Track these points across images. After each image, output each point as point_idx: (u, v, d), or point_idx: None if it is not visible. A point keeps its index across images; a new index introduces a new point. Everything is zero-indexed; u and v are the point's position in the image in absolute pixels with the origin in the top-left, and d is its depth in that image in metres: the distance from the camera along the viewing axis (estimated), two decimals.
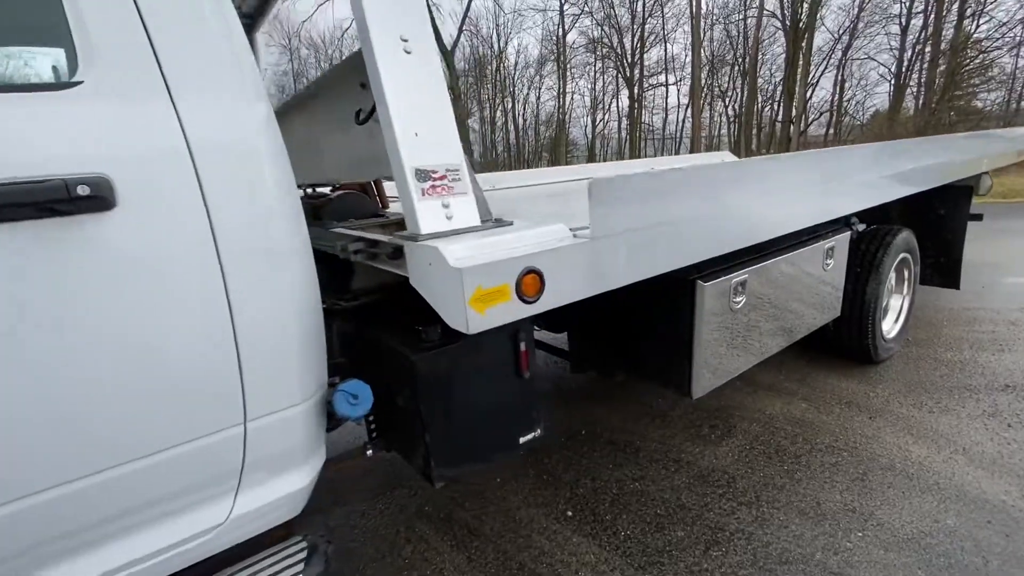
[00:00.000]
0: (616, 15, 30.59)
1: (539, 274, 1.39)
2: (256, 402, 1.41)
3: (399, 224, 1.86)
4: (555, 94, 33.22)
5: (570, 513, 2.55)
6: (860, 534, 2.27)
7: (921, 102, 23.60)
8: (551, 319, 3.12)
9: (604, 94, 34.01)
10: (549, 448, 3.11)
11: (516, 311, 1.37)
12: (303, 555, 1.54)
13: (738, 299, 2.48)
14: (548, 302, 1.44)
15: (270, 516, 1.53)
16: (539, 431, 2.23)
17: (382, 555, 2.36)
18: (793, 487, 2.61)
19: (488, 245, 1.37)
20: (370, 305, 2.39)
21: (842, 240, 3.18)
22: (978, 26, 21.65)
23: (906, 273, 4.15)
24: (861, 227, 3.59)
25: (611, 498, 2.63)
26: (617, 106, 33.99)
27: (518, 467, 2.95)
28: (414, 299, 1.60)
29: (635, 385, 3.81)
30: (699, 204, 1.98)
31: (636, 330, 2.63)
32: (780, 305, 2.78)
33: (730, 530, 2.35)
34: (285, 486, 1.53)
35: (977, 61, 22.10)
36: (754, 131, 30.36)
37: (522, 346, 2.09)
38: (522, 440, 2.18)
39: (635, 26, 30.47)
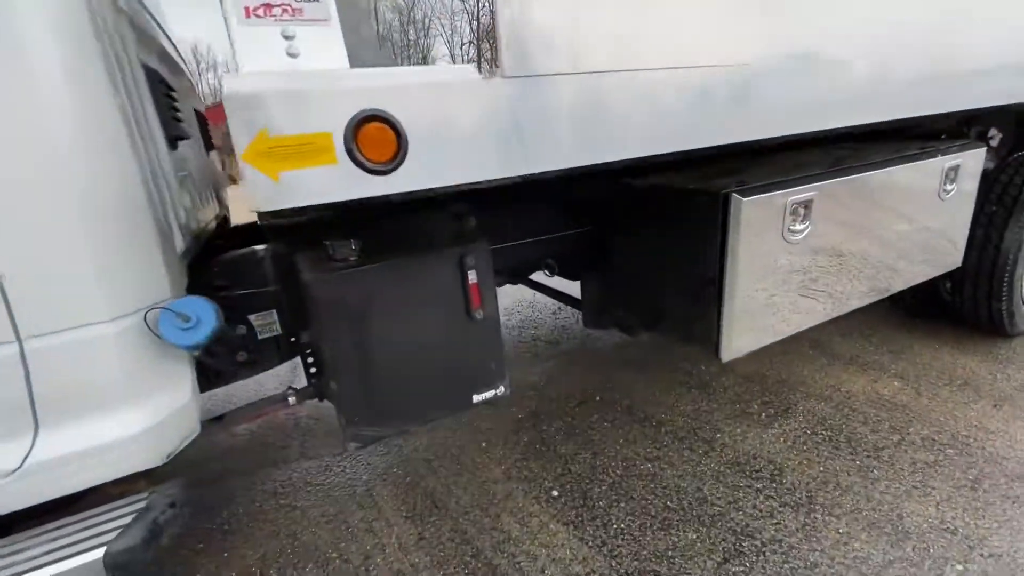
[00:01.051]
0: None
1: (392, 125, 0.85)
2: (33, 315, 1.04)
3: None
4: None
5: (555, 493, 2.04)
6: (961, 567, 1.57)
7: None
8: (564, 261, 2.57)
9: None
10: (551, 413, 2.60)
11: (347, 184, 0.86)
12: (127, 519, 1.19)
13: (798, 227, 1.77)
14: (416, 177, 0.91)
15: (88, 470, 1.18)
16: (502, 389, 1.73)
17: (327, 519, 2.02)
18: (865, 490, 1.91)
19: (316, 77, 0.86)
20: (318, 222, 1.98)
21: (973, 159, 2.26)
22: None
23: None
24: (996, 141, 2.60)
25: (612, 480, 2.08)
26: None
27: (509, 431, 2.48)
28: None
29: (673, 349, 3.16)
30: (713, 33, 1.32)
31: (656, 270, 2.00)
32: (866, 243, 2.01)
33: (763, 538, 1.74)
34: (105, 431, 1.17)
35: None
36: None
37: (471, 276, 1.57)
38: (477, 398, 1.68)
39: None
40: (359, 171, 0.84)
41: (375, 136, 0.83)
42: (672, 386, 2.76)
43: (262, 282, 1.84)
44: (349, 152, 0.82)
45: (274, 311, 1.87)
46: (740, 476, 2.04)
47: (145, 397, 1.22)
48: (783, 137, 1.63)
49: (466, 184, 1.02)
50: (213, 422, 1.74)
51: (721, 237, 1.67)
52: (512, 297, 4.43)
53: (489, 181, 1.06)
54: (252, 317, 1.85)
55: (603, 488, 2.04)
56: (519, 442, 2.39)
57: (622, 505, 1.95)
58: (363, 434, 1.52)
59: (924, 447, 2.11)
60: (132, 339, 1.13)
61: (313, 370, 1.93)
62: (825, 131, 1.74)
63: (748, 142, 1.58)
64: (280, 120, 0.77)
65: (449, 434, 2.51)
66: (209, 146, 2.66)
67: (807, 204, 1.76)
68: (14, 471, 1.09)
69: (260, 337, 1.89)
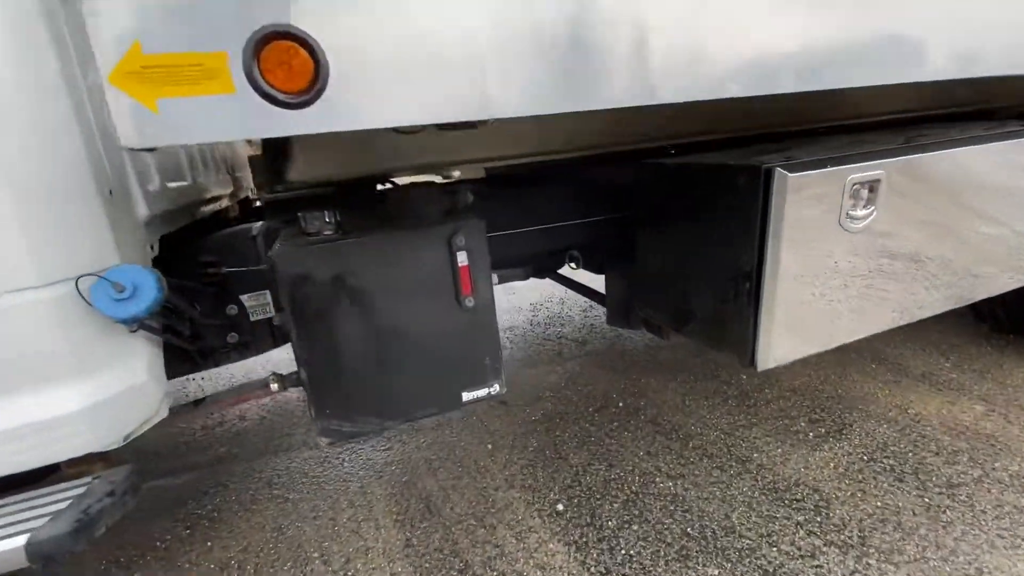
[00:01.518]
0: None
1: (307, 46, 0.68)
2: None
3: None
4: None
5: (561, 507, 1.83)
6: None
7: None
8: (590, 253, 2.35)
9: None
10: (567, 417, 2.38)
11: (247, 118, 0.69)
12: (61, 506, 1.08)
13: (860, 213, 1.48)
14: (339, 114, 0.73)
15: (35, 448, 1.09)
16: (496, 387, 1.53)
17: (315, 515, 1.90)
18: (935, 535, 1.58)
19: None
20: (306, 199, 1.86)
21: None
22: None
23: None
24: None
25: (626, 497, 1.85)
26: None
27: (519, 433, 2.28)
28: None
29: (711, 354, 2.86)
30: None
31: (685, 262, 1.75)
32: (944, 238, 1.67)
33: None
34: (49, 406, 1.07)
35: None
36: None
37: (460, 258, 1.39)
38: (467, 396, 1.50)
39: None
40: (264, 103, 0.68)
41: (284, 59, 0.67)
42: (707, 395, 2.47)
43: (255, 260, 1.74)
44: (250, 78, 0.66)
45: (268, 292, 1.77)
46: (778, 505, 1.75)
47: (91, 372, 1.12)
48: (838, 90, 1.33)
49: (406, 126, 0.84)
50: (192, 406, 1.65)
51: (761, 222, 1.40)
52: (542, 293, 4.23)
53: (447, 124, 0.87)
54: (244, 297, 1.75)
55: (615, 506, 1.81)
56: (528, 447, 2.19)
57: (634, 528, 1.71)
58: (336, 429, 1.38)
59: (1013, 487, 1.73)
60: (72, 308, 1.02)
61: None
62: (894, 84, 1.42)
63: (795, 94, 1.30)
64: (159, 33, 0.62)
65: (455, 433, 2.34)
66: None
67: (872, 185, 1.46)
68: None
69: (252, 318, 1.79)
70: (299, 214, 1.30)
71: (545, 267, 3.05)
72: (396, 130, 1.85)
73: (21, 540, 0.98)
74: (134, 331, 1.07)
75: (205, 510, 1.98)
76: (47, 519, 1.04)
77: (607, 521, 1.75)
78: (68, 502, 1.09)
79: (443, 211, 1.47)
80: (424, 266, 1.35)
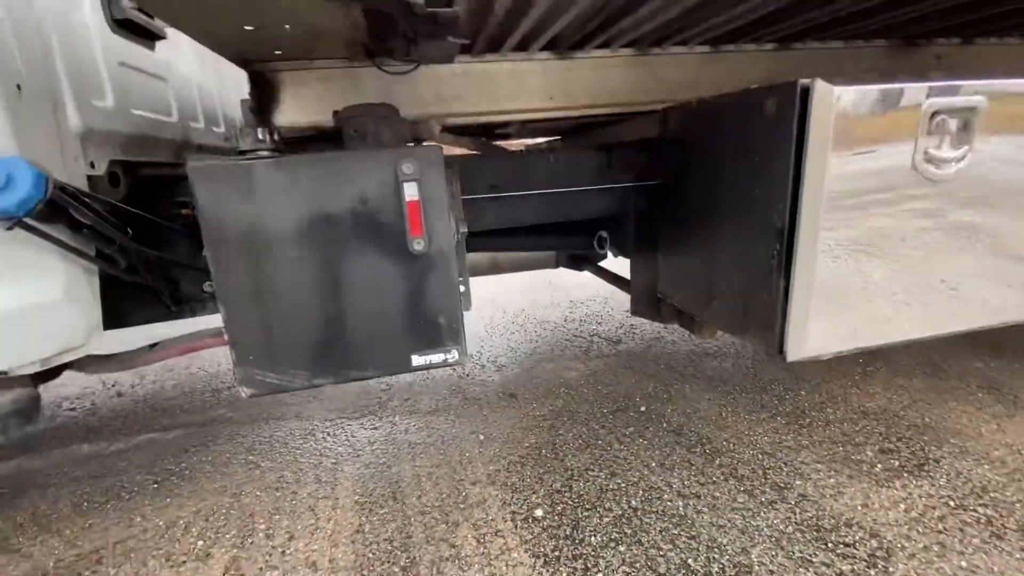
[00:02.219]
0: None
1: None
2: None
3: None
4: None
5: (540, 513, 1.54)
6: None
7: None
8: (615, 228, 2.08)
9: None
10: (576, 416, 2.08)
11: None
12: None
13: (947, 154, 1.09)
14: None
15: None
16: (453, 354, 1.30)
17: (278, 486, 1.76)
18: None
19: None
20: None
21: None
22: None
23: None
24: None
25: (620, 512, 1.52)
26: None
27: (518, 427, 2.01)
28: None
29: (764, 365, 2.43)
30: None
31: (708, 227, 1.42)
32: None
33: None
34: None
35: None
36: None
37: (408, 191, 1.17)
38: (418, 360, 1.28)
39: None
40: None
41: None
42: (751, 410, 2.06)
43: None
44: None
45: None
46: (817, 546, 1.34)
47: None
48: None
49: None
50: (146, 349, 1.58)
51: (795, 163, 1.06)
52: (586, 291, 3.93)
53: None
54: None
55: (604, 520, 1.49)
56: (523, 442, 1.92)
57: (621, 549, 1.38)
58: (258, 379, 1.21)
59: None
60: None
61: None
62: None
63: None
64: None
65: (452, 419, 2.12)
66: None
67: (967, 116, 1.07)
68: None
69: None
70: (235, 126, 1.16)
71: (577, 254, 2.78)
72: (385, 70, 1.70)
73: None
74: (9, 229, 0.97)
75: (179, 467, 1.91)
76: None
77: (590, 536, 1.43)
78: None
79: (401, 140, 1.27)
80: (368, 199, 1.16)
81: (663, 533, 1.43)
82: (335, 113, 1.25)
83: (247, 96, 1.77)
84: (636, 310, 2.06)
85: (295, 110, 1.71)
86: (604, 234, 2.12)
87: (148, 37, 1.51)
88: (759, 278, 1.19)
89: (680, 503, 1.54)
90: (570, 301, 3.74)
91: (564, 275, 4.45)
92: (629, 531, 1.44)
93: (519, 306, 3.70)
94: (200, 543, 1.50)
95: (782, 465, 1.70)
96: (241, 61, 1.66)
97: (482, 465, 1.80)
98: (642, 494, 1.60)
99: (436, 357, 1.28)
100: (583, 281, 4.24)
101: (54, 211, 1.01)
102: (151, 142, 1.51)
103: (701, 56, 1.87)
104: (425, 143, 1.74)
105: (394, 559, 1.40)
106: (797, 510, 1.49)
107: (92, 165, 1.24)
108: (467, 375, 2.58)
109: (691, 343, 2.80)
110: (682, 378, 2.38)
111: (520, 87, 1.81)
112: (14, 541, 1.56)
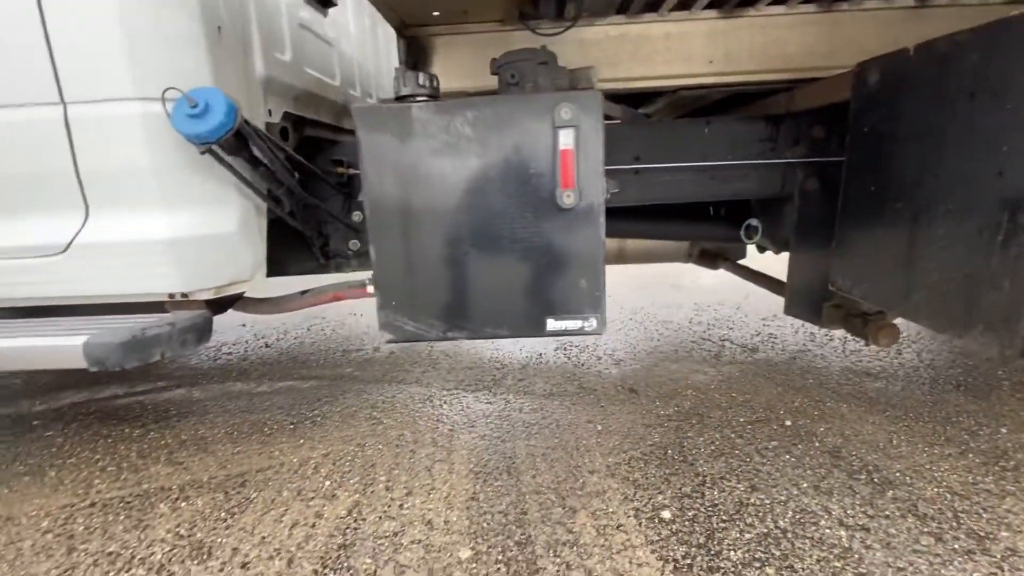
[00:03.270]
0: None
1: None
2: (75, 81, 1.03)
3: None
4: None
5: (667, 515, 1.39)
6: None
7: None
8: (770, 216, 1.87)
9: None
10: (707, 421, 1.88)
11: None
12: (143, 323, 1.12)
13: None
14: None
15: (122, 278, 1.16)
16: (593, 322, 1.21)
17: (399, 444, 1.79)
18: None
19: None
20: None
21: None
22: None
23: None
24: None
25: (765, 531, 1.31)
26: None
27: (640, 423, 1.86)
28: None
29: (949, 394, 2.01)
30: None
31: (921, 193, 1.16)
32: None
33: None
34: (140, 228, 1.13)
35: None
36: None
37: (563, 137, 1.09)
38: (553, 324, 1.21)
39: None
40: None
41: None
42: (932, 442, 1.70)
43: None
44: None
45: None
46: None
47: (177, 205, 1.16)
48: None
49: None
50: (298, 295, 1.68)
51: None
52: (714, 295, 3.62)
53: None
54: None
55: (747, 536, 1.30)
56: (646, 439, 1.77)
57: (768, 572, 1.18)
58: (397, 326, 1.22)
59: None
60: (160, 128, 1.05)
61: None
62: None
63: None
64: None
65: (567, 405, 2.03)
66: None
67: None
68: (66, 247, 1.14)
69: None
70: (395, 67, 1.18)
71: (711, 250, 2.54)
72: (537, 32, 1.66)
73: (80, 339, 1.04)
74: (202, 153, 1.06)
75: (312, 414, 2.05)
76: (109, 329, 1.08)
77: (729, 550, 1.25)
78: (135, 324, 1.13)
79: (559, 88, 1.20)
80: (521, 146, 1.11)
81: (822, 564, 1.20)
82: (493, 61, 1.22)
83: (398, 65, 1.83)
84: (792, 310, 1.80)
85: (445, 74, 1.74)
86: (755, 222, 1.90)
87: (322, 3, 1.62)
88: (998, 261, 0.94)
89: (843, 533, 1.29)
90: (694, 304, 3.46)
91: (687, 276, 4.16)
92: (778, 553, 1.24)
93: (637, 304, 3.50)
94: (327, 483, 1.57)
95: (980, 511, 1.36)
96: (400, 25, 1.72)
97: (600, 456, 1.68)
98: (792, 515, 1.37)
99: (572, 324, 1.20)
100: (709, 285, 3.92)
101: (238, 144, 1.09)
102: (318, 101, 1.62)
103: (905, 12, 1.58)
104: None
105: (509, 532, 1.34)
106: (1005, 566, 1.17)
107: (270, 113, 1.35)
108: (582, 364, 2.47)
109: (846, 359, 2.42)
110: (837, 396, 2.05)
111: (678, 50, 1.67)
112: (177, 455, 1.77)
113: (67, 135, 1.06)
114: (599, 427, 1.86)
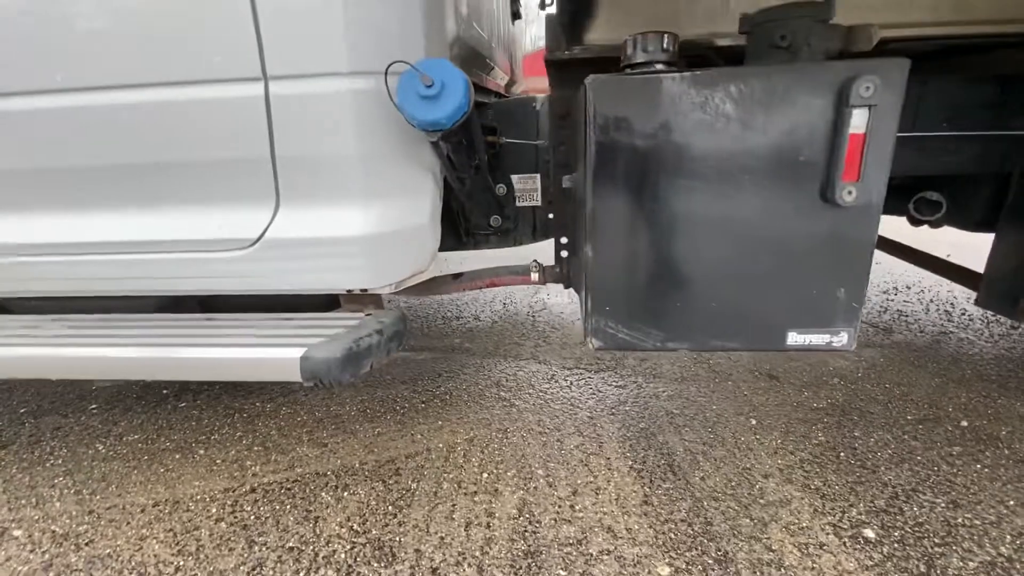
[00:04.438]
0: None
1: None
2: (278, 52, 0.86)
3: None
4: None
5: (870, 534, 1.28)
6: None
7: None
8: (965, 193, 1.63)
9: None
10: (870, 418, 1.73)
11: None
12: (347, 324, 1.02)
13: None
14: None
15: (312, 271, 1.03)
16: (844, 338, 1.04)
17: (541, 431, 1.71)
18: None
19: None
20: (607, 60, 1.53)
21: None
22: None
23: None
24: None
25: (988, 560, 1.20)
26: None
27: (795, 419, 1.73)
28: None
29: None
30: None
31: None
32: None
33: None
34: (336, 222, 0.99)
35: None
36: None
37: (856, 118, 0.88)
38: (794, 338, 1.04)
39: None
40: None
41: None
42: None
43: (534, 135, 1.53)
44: None
45: (538, 176, 1.57)
46: None
47: (378, 197, 1.02)
48: None
49: None
50: (450, 278, 1.56)
51: None
52: None
53: None
54: (515, 178, 1.58)
55: (971, 565, 1.18)
56: (810, 438, 1.64)
57: None
58: (611, 333, 1.08)
59: None
60: (369, 109, 0.90)
61: (564, 253, 1.58)
62: None
63: None
64: None
65: (704, 392, 1.91)
66: (516, 15, 2.49)
67: None
68: (255, 242, 1.01)
69: (519, 203, 1.61)
70: (627, 37, 0.97)
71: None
72: None
73: (298, 352, 0.93)
74: (434, 141, 0.90)
75: (439, 391, 1.98)
76: (322, 340, 0.98)
77: None
78: (341, 330, 1.02)
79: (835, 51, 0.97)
80: (793, 128, 0.91)
81: None
82: (744, 17, 1.00)
83: (551, 11, 1.59)
84: (989, 302, 1.60)
85: (611, 24, 1.49)
86: (936, 196, 1.65)
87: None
88: None
89: None
90: None
91: None
92: None
93: None
94: (484, 476, 1.51)
95: None
96: None
97: (767, 456, 1.57)
98: (1011, 540, 1.25)
99: (818, 338, 1.04)
100: None
101: (463, 128, 0.92)
102: (478, 60, 1.41)
103: None
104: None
105: (702, 547, 1.25)
106: None
107: None
108: None
109: (996, 346, 2.22)
110: (1005, 391, 1.87)
111: None
112: (318, 435, 1.73)
113: (267, 116, 0.91)
114: (752, 421, 1.74)
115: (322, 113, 0.92)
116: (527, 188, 1.60)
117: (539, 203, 1.58)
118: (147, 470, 1.57)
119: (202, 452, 1.65)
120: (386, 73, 0.83)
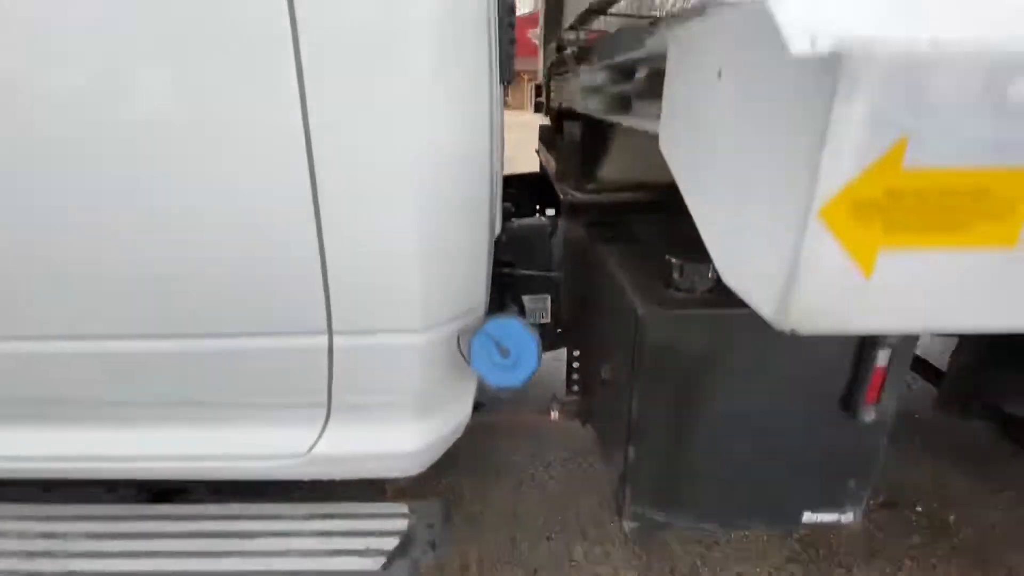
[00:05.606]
0: None
1: None
2: (349, 311, 0.94)
3: None
4: None
5: None
6: None
7: None
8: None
9: None
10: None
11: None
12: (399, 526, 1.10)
13: None
14: None
15: (360, 468, 1.12)
16: (850, 515, 1.08)
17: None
18: None
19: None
20: (625, 205, 1.54)
21: None
22: None
23: None
24: None
25: None
26: None
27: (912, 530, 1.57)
28: None
29: None
30: None
31: None
32: None
33: None
34: (388, 440, 1.08)
35: None
36: None
37: (881, 355, 0.93)
38: (809, 517, 1.09)
39: None
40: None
41: None
42: None
43: (546, 261, 1.55)
44: None
45: (548, 297, 1.58)
46: None
47: (434, 413, 1.10)
48: None
49: None
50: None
51: None
52: None
53: None
54: (526, 298, 1.58)
55: None
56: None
57: None
58: (648, 516, 1.11)
59: None
60: (438, 353, 0.99)
61: (576, 388, 1.63)
62: None
63: None
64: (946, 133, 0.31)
65: None
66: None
67: None
68: (303, 455, 1.06)
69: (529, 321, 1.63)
70: (671, 259, 1.00)
71: None
72: None
73: (377, 561, 0.97)
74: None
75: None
76: (381, 561, 1.01)
77: None
78: (396, 540, 1.06)
79: None
80: (823, 359, 0.97)
81: None
82: None
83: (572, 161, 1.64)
84: (944, 405, 1.49)
85: (623, 165, 1.57)
86: None
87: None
88: None
89: None
90: None
91: None
92: None
93: None
94: None
95: None
96: None
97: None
98: None
99: (828, 517, 1.09)
100: None
101: None
102: None
103: None
104: None
105: None
106: None
107: None
108: None
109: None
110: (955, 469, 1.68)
111: None
112: None
113: (328, 362, 0.97)
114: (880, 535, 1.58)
115: (390, 362, 0.98)
116: (538, 307, 1.61)
117: (548, 320, 1.59)
118: None
119: None
120: (459, 344, 0.89)
